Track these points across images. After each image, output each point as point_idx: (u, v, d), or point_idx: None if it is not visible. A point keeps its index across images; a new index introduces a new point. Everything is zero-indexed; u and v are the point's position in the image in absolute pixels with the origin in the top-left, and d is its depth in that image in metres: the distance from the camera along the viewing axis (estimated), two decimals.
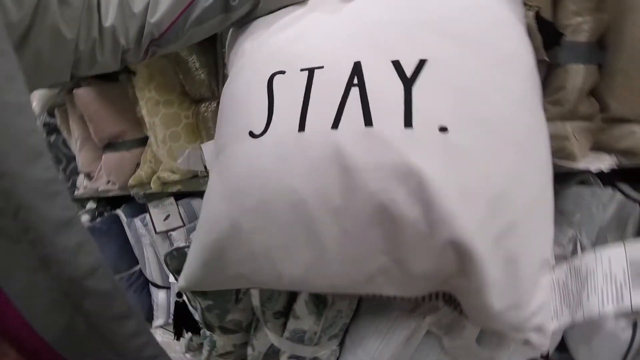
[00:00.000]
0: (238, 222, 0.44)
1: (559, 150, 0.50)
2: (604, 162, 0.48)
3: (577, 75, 0.50)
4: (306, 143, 0.41)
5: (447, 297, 0.48)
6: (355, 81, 0.41)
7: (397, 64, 0.41)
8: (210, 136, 0.81)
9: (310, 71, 0.43)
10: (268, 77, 0.46)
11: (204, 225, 0.49)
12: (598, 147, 0.55)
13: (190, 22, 0.47)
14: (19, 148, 0.15)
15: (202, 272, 0.49)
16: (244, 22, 0.56)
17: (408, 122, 0.38)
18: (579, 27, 0.50)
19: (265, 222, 0.43)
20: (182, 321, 0.75)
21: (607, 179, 0.58)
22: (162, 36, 0.46)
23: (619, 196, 0.56)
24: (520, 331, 0.41)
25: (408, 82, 0.40)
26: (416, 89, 0.40)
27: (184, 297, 0.74)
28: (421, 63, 0.40)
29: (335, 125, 0.40)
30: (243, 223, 0.44)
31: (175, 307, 0.74)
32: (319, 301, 0.62)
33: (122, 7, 0.43)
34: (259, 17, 0.55)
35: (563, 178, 0.58)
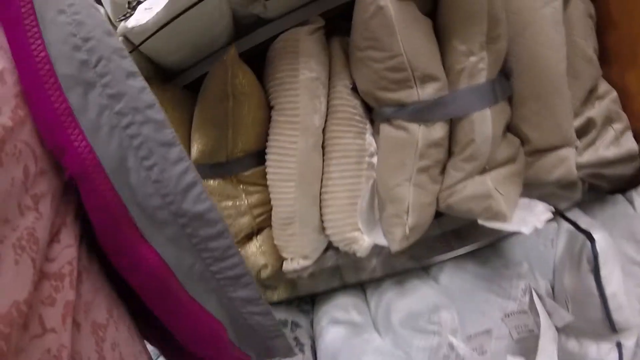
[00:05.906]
0: None
1: (485, 211, 0.45)
2: (539, 217, 0.43)
3: (484, 122, 0.44)
4: None
5: None
6: None
7: None
8: None
9: None
10: None
11: None
12: (528, 182, 0.50)
13: None
14: (101, 26, 0.20)
15: None
16: None
17: None
18: (475, 67, 0.45)
19: None
20: None
21: None
22: None
23: (566, 227, 0.51)
24: None
25: None
26: None
27: None
28: None
29: None
30: None
31: None
32: None
33: None
34: None
35: None
